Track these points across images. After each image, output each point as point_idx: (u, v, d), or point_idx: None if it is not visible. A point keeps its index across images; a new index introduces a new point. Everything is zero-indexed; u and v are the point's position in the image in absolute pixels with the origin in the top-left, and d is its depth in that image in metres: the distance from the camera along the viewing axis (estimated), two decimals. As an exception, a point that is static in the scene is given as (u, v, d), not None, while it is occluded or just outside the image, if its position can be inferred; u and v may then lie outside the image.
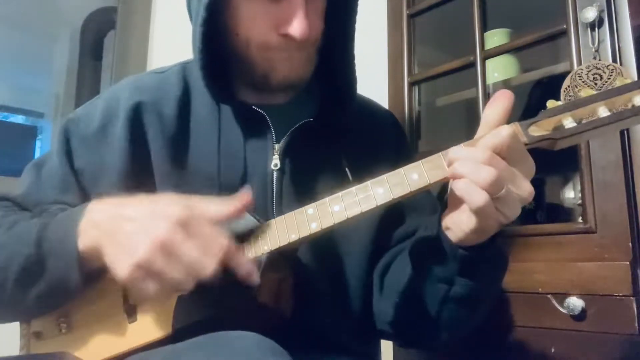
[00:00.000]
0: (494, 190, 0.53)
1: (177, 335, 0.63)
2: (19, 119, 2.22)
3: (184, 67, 0.84)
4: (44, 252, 0.64)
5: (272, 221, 0.65)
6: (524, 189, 0.56)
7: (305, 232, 0.62)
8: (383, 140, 0.86)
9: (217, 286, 0.57)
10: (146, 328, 0.67)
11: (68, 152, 0.78)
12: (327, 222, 0.62)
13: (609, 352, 0.79)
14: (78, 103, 2.01)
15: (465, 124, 1.38)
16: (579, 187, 0.96)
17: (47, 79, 2.18)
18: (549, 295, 0.86)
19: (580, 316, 0.82)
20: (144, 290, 0.58)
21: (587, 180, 0.87)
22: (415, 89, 1.21)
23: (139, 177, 0.76)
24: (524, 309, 0.89)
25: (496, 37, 1.16)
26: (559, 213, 1.13)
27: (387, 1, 1.27)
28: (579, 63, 0.89)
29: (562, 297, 0.84)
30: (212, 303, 0.64)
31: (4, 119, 2.17)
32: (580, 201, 0.91)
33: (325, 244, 0.75)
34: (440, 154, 0.59)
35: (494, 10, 1.14)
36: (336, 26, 0.79)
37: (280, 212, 0.72)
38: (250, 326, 0.56)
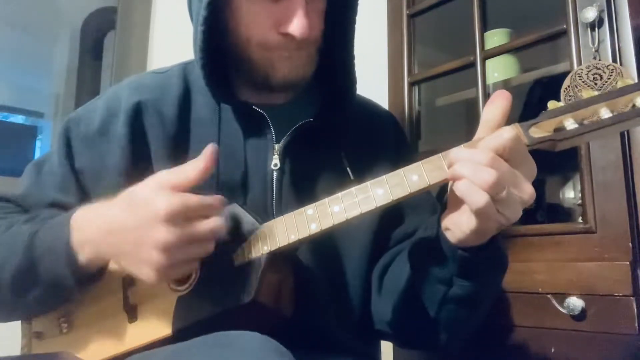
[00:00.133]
0: (495, 192, 0.53)
1: (177, 335, 0.63)
2: (19, 119, 2.21)
3: (185, 67, 0.84)
4: (35, 259, 0.65)
5: (272, 222, 0.65)
6: (525, 191, 0.55)
7: (305, 233, 0.62)
8: (383, 140, 0.86)
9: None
10: (147, 328, 0.67)
11: (68, 152, 0.78)
12: (327, 223, 0.62)
13: (609, 352, 0.79)
14: (78, 103, 2.01)
15: (465, 124, 1.38)
16: (579, 187, 0.96)
17: (47, 79, 2.18)
18: (549, 295, 0.86)
19: (580, 316, 0.82)
20: (185, 268, 0.62)
21: (587, 180, 0.87)
22: (415, 89, 1.21)
23: (139, 177, 0.75)
24: (524, 309, 0.89)
25: (496, 37, 1.16)
26: (559, 213, 1.13)
27: (387, 1, 1.27)
28: (579, 63, 0.89)
29: (562, 297, 0.84)
30: (213, 303, 0.64)
31: (4, 119, 2.17)
32: (580, 201, 0.91)
33: (324, 244, 0.75)
34: (440, 155, 0.59)
35: (494, 10, 1.14)
36: (336, 26, 0.79)
37: (280, 212, 0.72)
38: (250, 326, 0.56)
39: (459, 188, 0.55)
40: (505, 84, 1.16)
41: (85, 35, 2.10)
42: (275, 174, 0.76)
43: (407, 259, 0.71)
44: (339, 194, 0.62)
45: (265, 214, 0.73)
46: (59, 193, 0.77)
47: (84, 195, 0.77)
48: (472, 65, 1.08)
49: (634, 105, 0.54)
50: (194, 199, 0.59)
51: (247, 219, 0.66)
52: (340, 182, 0.72)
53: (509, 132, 0.55)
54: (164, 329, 0.65)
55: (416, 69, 1.21)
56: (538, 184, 0.87)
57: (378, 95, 1.02)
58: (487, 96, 1.05)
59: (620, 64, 0.85)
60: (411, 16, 1.22)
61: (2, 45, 1.99)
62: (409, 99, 1.19)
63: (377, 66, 1.25)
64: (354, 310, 0.78)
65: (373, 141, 0.85)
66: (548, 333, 0.86)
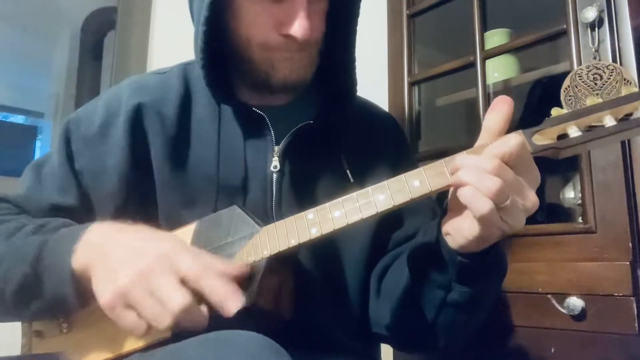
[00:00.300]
0: (500, 199, 0.53)
1: (177, 336, 0.63)
2: (19, 119, 2.21)
3: (185, 68, 0.84)
4: (41, 270, 0.64)
5: (272, 225, 0.65)
6: (529, 199, 0.55)
7: (305, 238, 0.62)
8: (383, 142, 0.86)
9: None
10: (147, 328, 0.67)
11: (68, 153, 0.78)
12: (328, 228, 0.61)
13: (609, 352, 0.79)
14: (78, 103, 2.01)
15: (465, 124, 1.38)
16: (579, 187, 0.96)
17: (47, 79, 2.18)
18: (549, 295, 0.86)
19: (580, 316, 0.82)
20: (122, 320, 0.58)
21: (587, 180, 0.87)
22: (415, 89, 1.21)
23: (139, 177, 0.76)
24: (524, 309, 0.89)
25: (496, 37, 1.16)
26: (559, 213, 1.13)
27: (387, 1, 1.27)
28: (579, 63, 0.89)
29: (562, 297, 0.84)
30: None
31: (4, 119, 2.17)
32: (580, 201, 0.91)
33: (323, 245, 0.74)
34: (442, 161, 0.58)
35: (494, 10, 1.14)
36: (337, 29, 0.79)
37: (280, 214, 0.72)
38: (249, 328, 0.56)
39: (463, 195, 0.54)
40: (505, 84, 1.16)
41: (85, 35, 2.10)
42: (275, 175, 0.76)
43: (406, 263, 0.71)
44: (340, 199, 0.62)
45: (264, 216, 0.73)
46: (59, 194, 0.77)
47: (85, 196, 0.77)
48: (472, 65, 1.08)
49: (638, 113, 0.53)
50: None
51: (248, 222, 0.66)
52: (340, 184, 0.72)
53: (516, 139, 0.54)
54: (163, 331, 0.65)
55: (416, 69, 1.21)
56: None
57: (378, 96, 1.02)
58: (487, 96, 1.05)
59: (620, 64, 0.85)
60: (411, 16, 1.22)
61: (2, 45, 2.00)
62: (409, 99, 1.19)
63: (377, 66, 1.25)
64: (353, 311, 0.78)
65: (373, 143, 0.85)
66: (548, 333, 0.86)
